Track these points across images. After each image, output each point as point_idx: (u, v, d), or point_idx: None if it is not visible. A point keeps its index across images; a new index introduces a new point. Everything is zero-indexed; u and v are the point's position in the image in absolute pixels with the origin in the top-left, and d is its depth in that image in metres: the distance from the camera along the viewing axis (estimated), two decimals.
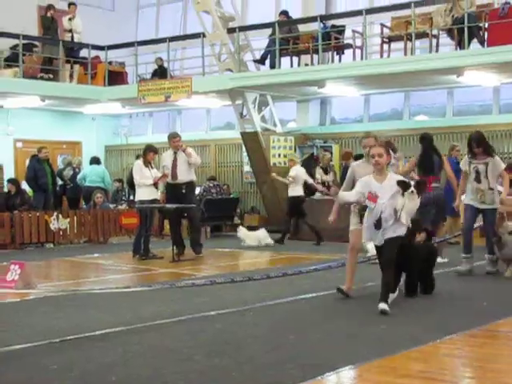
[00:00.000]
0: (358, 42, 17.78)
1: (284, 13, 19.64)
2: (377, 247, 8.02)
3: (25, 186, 18.48)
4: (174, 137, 14.13)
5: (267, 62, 19.21)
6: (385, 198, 7.77)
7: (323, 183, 17.50)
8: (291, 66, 18.94)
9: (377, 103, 20.63)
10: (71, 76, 21.08)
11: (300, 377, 5.22)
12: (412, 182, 8.01)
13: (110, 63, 22.11)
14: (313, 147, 20.03)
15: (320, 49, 17.98)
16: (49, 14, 20.79)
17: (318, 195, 17.27)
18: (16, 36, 19.69)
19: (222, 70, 19.87)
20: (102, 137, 24.18)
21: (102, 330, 7.08)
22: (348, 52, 18.24)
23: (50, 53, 20.53)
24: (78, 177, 19.53)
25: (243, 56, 19.86)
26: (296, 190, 16.33)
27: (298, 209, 16.34)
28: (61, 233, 17.11)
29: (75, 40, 21.07)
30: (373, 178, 7.92)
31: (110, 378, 5.31)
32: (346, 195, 8.22)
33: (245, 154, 20.81)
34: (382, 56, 17.49)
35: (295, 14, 20.31)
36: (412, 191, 7.79)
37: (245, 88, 19.07)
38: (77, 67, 21.18)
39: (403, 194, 7.76)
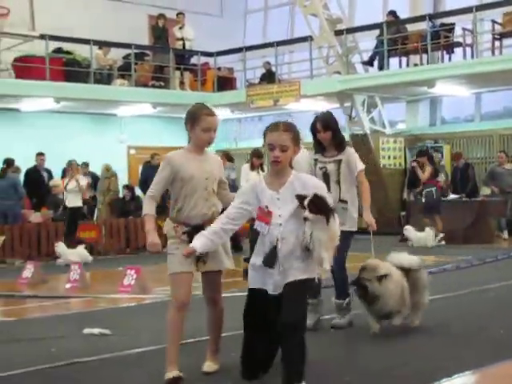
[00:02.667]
0: (468, 40, 17.46)
1: (392, 13, 19.46)
2: (272, 299, 4.91)
3: (138, 192, 18.95)
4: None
5: (375, 63, 19.09)
6: (284, 214, 4.84)
7: None
8: (400, 66, 18.76)
9: (488, 102, 20.19)
10: (182, 83, 21.50)
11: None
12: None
13: (219, 69, 22.44)
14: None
15: (429, 48, 17.76)
16: (160, 24, 21.26)
17: None
18: (128, 46, 20.22)
19: (330, 73, 19.86)
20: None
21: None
22: (458, 50, 17.93)
23: (161, 61, 21.00)
24: None
25: (351, 58, 19.80)
26: None
27: None
28: None
29: (187, 47, 21.47)
30: (264, 183, 4.99)
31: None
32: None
33: None
34: (493, 53, 17.12)
35: (403, 14, 20.10)
36: (310, 210, 4.71)
37: (353, 90, 19.01)
38: (187, 74, 21.56)
39: (305, 217, 4.73)
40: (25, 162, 17.41)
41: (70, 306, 9.95)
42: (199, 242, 4.98)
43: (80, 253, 14.25)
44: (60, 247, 14.22)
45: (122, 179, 21.15)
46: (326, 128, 7.10)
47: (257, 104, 20.56)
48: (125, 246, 16.73)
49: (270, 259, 4.81)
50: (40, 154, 17.42)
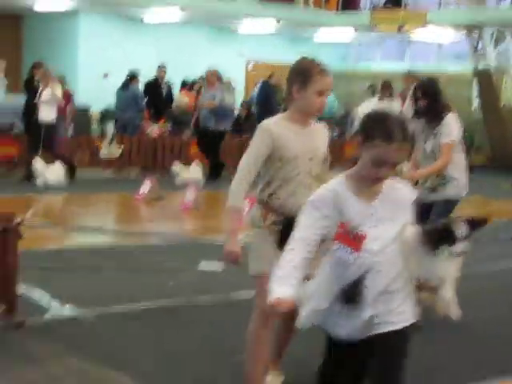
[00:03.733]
0: None
1: None
2: (345, 347, 3.43)
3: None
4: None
5: None
6: (384, 238, 3.29)
7: None
8: None
9: None
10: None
11: None
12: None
13: None
14: None
15: None
16: None
17: None
18: None
19: (459, 4, 19.21)
20: (330, 62, 24.12)
21: None
22: None
23: None
24: None
25: None
26: None
27: None
28: None
29: None
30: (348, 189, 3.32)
31: None
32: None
33: (475, 89, 20.18)
34: None
35: None
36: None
37: (482, 22, 18.37)
38: None
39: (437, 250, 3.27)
40: (144, 73, 17.71)
41: (185, 232, 10.23)
42: (291, 290, 3.21)
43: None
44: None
45: (238, 94, 21.27)
46: (424, 95, 6.54)
47: (381, 28, 20.15)
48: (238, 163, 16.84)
49: (354, 295, 3.31)
50: (161, 67, 17.61)
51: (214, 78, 15.27)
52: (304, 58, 4.25)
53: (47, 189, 12.54)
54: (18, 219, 5.90)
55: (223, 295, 6.68)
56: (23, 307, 5.69)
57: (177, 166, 14.22)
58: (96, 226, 9.97)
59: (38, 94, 13.44)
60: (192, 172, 14.26)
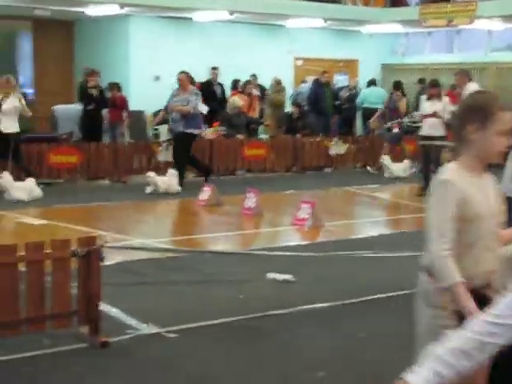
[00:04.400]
0: None
1: None
2: None
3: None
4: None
5: None
6: None
7: None
8: None
9: None
10: None
11: None
12: None
13: None
14: None
15: None
16: None
17: None
18: None
19: None
20: (379, 55, 24.13)
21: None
22: None
23: None
24: (358, 99, 19.84)
25: None
26: None
27: None
28: (338, 158, 17.55)
29: None
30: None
31: None
32: None
33: None
34: None
35: None
36: None
37: None
38: None
39: None
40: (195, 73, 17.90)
41: (249, 240, 10.37)
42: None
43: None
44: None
45: (288, 91, 21.36)
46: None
47: (429, 23, 20.06)
48: (291, 163, 17.00)
49: None
50: (213, 68, 17.78)
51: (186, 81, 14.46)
52: (481, 93, 3.79)
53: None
54: (101, 242, 6.11)
55: (298, 306, 6.78)
56: (105, 326, 5.89)
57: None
58: (157, 236, 10.17)
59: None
60: None
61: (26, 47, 22.38)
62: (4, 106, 12.55)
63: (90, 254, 5.86)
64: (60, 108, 16.61)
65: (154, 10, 18.59)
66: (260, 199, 11.46)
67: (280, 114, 18.49)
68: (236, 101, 16.78)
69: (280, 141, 17.21)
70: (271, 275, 7.77)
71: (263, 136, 18.32)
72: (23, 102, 12.93)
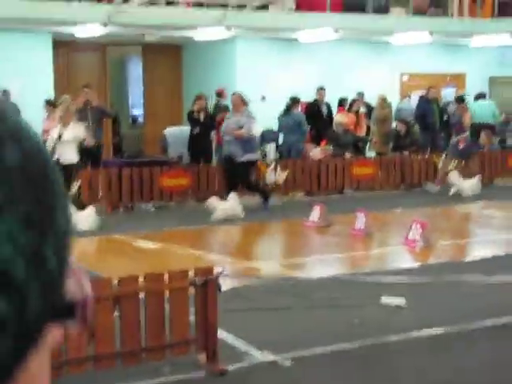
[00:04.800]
0: None
1: None
2: None
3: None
4: None
5: None
6: None
7: None
8: None
9: None
10: (460, 7, 20.88)
11: None
12: None
13: None
14: None
15: None
16: None
17: None
18: None
19: None
20: (487, 68, 23.69)
21: None
22: None
23: None
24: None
25: None
26: None
27: None
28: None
29: None
30: None
31: None
32: None
33: None
34: None
35: None
36: None
37: None
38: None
39: None
40: (300, 91, 18.04)
41: (360, 262, 10.37)
42: None
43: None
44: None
45: (395, 108, 21.21)
46: None
47: None
48: (400, 181, 16.89)
49: None
50: (321, 89, 17.87)
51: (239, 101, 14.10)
52: None
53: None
54: (218, 271, 6.26)
55: (413, 331, 6.75)
56: (221, 352, 6.01)
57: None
58: (268, 258, 10.29)
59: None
60: None
61: (136, 71, 23.09)
62: (64, 136, 12.14)
63: (208, 284, 6.00)
64: (170, 131, 16.99)
65: (260, 32, 18.85)
66: (369, 219, 11.43)
67: (387, 132, 18.36)
68: (338, 117, 16.88)
69: (387, 159, 17.12)
70: (384, 299, 7.75)
71: (370, 154, 18.26)
72: (83, 131, 12.58)
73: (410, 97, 20.53)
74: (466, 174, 16.10)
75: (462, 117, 16.79)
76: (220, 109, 16.20)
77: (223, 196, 13.11)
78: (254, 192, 14.13)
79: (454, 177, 15.79)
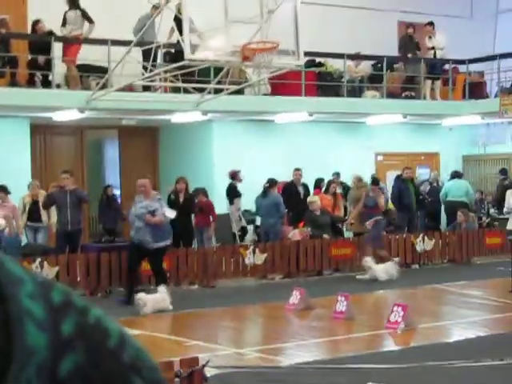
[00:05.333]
0: None
1: None
2: None
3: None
4: None
5: None
6: None
7: None
8: None
9: None
10: (432, 90, 21.31)
11: None
12: None
13: (469, 74, 22.04)
14: None
15: None
16: (409, 33, 21.23)
17: None
18: (380, 58, 20.41)
19: None
20: (460, 147, 24.07)
21: None
22: None
23: (413, 71, 20.99)
24: (442, 192, 19.80)
25: None
26: None
27: None
28: (425, 253, 17.43)
29: (438, 56, 21.23)
30: None
31: None
32: None
33: None
34: None
35: None
36: None
37: None
38: (438, 83, 21.38)
39: None
40: (281, 174, 18.19)
41: (343, 346, 10.30)
42: None
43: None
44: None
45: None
46: None
47: (511, 114, 20.00)
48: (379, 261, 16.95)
49: None
50: (297, 170, 18.02)
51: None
52: None
53: None
54: (204, 361, 6.19)
55: None
56: None
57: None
58: (249, 344, 10.20)
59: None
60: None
61: (112, 153, 23.20)
62: None
63: (193, 375, 5.93)
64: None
65: (236, 115, 19.09)
66: (350, 301, 11.40)
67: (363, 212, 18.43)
68: (310, 198, 17.00)
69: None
70: None
71: (348, 234, 18.33)
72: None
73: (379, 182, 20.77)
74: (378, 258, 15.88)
75: (377, 199, 16.59)
76: (198, 193, 16.21)
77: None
78: (160, 282, 12.78)
79: (370, 262, 15.34)
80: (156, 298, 12.19)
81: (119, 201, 22.11)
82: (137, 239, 12.84)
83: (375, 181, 17.52)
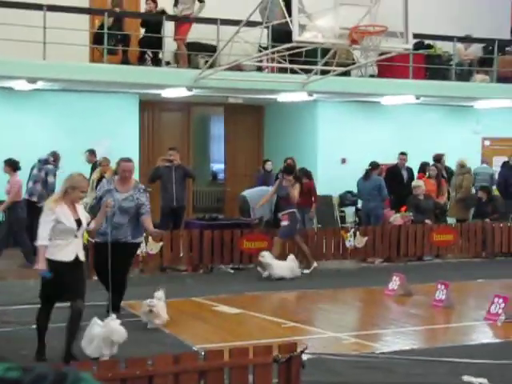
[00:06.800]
0: None
1: None
2: None
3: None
4: None
5: None
6: None
7: None
8: None
9: None
10: None
11: None
12: None
13: None
14: None
15: None
16: None
17: None
18: (491, 41, 19.94)
19: None
20: None
21: None
22: None
23: None
24: None
25: None
26: None
27: None
28: None
29: None
30: None
31: None
32: None
33: None
34: None
35: None
36: None
37: None
38: None
39: None
40: (385, 157, 18.10)
41: (440, 336, 10.24)
42: None
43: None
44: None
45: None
46: None
47: None
48: (481, 249, 16.72)
49: None
50: (402, 154, 17.90)
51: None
52: None
53: None
54: (302, 347, 6.30)
55: None
56: None
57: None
58: (347, 329, 10.24)
59: None
60: None
61: (218, 129, 23.56)
62: None
63: (291, 361, 6.06)
64: (250, 192, 16.61)
65: (342, 96, 19.05)
66: (450, 290, 11.30)
67: (467, 198, 18.15)
68: (415, 182, 16.84)
69: (469, 226, 16.93)
70: (467, 378, 7.63)
71: (450, 220, 18.09)
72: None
73: (487, 163, 20.31)
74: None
75: (289, 189, 14.11)
76: (303, 174, 16.12)
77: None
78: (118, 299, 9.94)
79: (268, 258, 13.59)
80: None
81: (223, 176, 22.52)
82: (114, 237, 9.43)
83: (288, 169, 14.90)
